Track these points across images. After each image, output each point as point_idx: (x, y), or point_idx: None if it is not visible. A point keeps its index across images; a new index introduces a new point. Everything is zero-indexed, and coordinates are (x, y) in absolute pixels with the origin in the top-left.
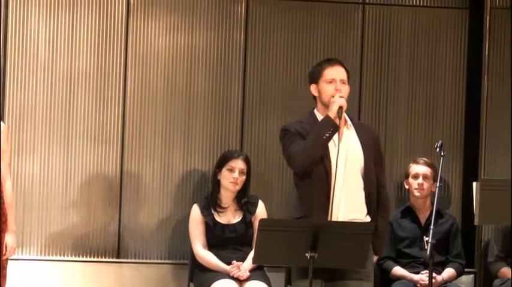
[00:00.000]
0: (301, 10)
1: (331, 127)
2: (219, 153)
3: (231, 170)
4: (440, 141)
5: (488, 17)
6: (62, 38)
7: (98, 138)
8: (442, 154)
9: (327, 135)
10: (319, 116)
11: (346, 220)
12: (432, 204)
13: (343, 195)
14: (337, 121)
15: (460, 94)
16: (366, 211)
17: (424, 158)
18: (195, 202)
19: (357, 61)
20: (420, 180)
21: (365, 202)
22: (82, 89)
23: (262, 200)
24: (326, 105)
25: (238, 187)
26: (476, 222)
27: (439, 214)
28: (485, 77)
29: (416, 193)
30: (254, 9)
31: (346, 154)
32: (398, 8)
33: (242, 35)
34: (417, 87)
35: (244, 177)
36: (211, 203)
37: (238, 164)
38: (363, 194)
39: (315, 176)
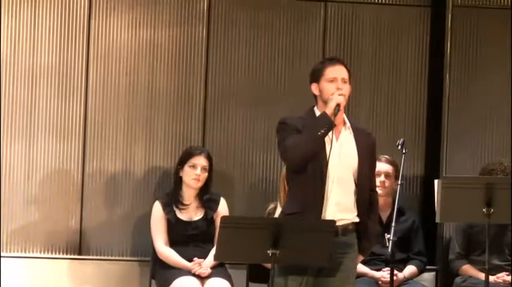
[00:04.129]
0: (263, 6)
1: (327, 123)
2: (181, 149)
3: (193, 167)
4: (402, 139)
5: (450, 15)
6: (24, 34)
7: (60, 135)
8: (404, 151)
9: (322, 131)
10: (318, 114)
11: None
12: (393, 202)
13: (333, 195)
14: (333, 118)
15: (421, 92)
16: (355, 213)
17: (386, 156)
18: (156, 199)
19: (318, 58)
20: (382, 178)
21: (356, 205)
22: (44, 85)
23: (224, 197)
24: (327, 104)
25: (200, 184)
26: (437, 220)
27: (401, 212)
28: (447, 75)
29: (378, 191)
30: (216, 5)
31: (340, 154)
32: (360, 6)
33: (204, 31)
34: (379, 85)
35: (206, 174)
36: (173, 200)
37: (200, 160)
38: (353, 196)
39: (309, 174)
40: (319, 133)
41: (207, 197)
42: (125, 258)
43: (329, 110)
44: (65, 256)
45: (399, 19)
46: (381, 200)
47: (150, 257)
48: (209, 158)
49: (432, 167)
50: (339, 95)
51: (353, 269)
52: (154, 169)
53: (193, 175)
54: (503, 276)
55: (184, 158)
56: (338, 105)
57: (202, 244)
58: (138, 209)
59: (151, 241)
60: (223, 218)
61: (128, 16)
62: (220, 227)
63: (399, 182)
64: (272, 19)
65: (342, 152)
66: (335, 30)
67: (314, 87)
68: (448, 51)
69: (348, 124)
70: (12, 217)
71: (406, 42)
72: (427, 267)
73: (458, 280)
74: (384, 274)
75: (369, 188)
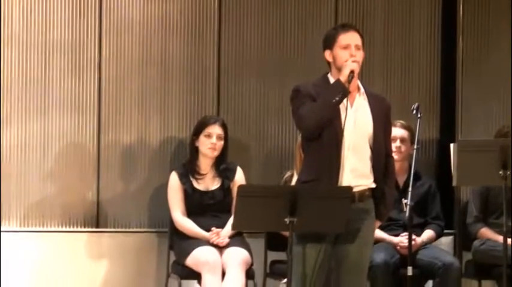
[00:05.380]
0: None
1: (341, 91)
2: (195, 120)
3: (209, 136)
4: (416, 104)
5: None
6: (36, 9)
7: (75, 108)
8: (419, 116)
9: (337, 99)
10: (332, 81)
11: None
12: (410, 166)
13: (350, 161)
14: (347, 85)
15: (435, 56)
16: (371, 179)
17: (401, 121)
18: (173, 169)
19: (331, 24)
20: (398, 143)
21: (372, 170)
22: (57, 60)
23: (240, 166)
24: (341, 71)
25: (216, 153)
26: (454, 183)
27: (417, 176)
28: (461, 37)
29: (394, 156)
30: None
31: (355, 121)
32: None
33: (216, 1)
34: (392, 51)
35: (222, 142)
36: (189, 170)
37: (216, 129)
38: (369, 162)
39: (324, 141)
40: (334, 101)
41: (223, 166)
42: (142, 229)
43: (343, 77)
44: (82, 229)
45: None
46: (397, 165)
47: (168, 228)
48: (224, 127)
49: (447, 130)
50: (353, 61)
51: (371, 235)
52: (169, 140)
53: (209, 143)
54: None
55: (199, 128)
56: (352, 72)
57: (220, 213)
58: (154, 180)
59: (169, 212)
60: (240, 187)
61: None
62: (237, 196)
63: (415, 146)
64: None
65: (357, 119)
66: None
67: (327, 54)
68: (461, 14)
69: (362, 90)
70: (29, 192)
71: (419, 5)
72: (445, 231)
73: (476, 243)
74: (402, 239)
75: (385, 154)
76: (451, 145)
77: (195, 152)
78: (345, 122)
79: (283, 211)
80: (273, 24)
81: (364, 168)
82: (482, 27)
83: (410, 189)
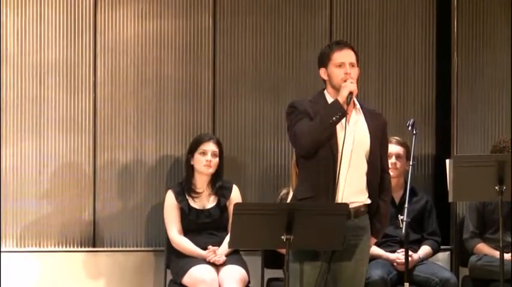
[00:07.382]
0: None
1: (339, 112)
2: (191, 138)
3: (204, 153)
4: (412, 120)
5: None
6: (31, 29)
7: (70, 128)
8: (414, 132)
9: (334, 119)
10: (329, 98)
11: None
12: (406, 183)
13: (347, 178)
14: (345, 106)
15: (430, 72)
16: (366, 195)
17: (396, 137)
18: (169, 188)
19: (325, 40)
20: (393, 159)
21: (366, 186)
22: (52, 80)
23: (236, 184)
24: (336, 89)
25: (212, 170)
26: (450, 199)
27: (413, 192)
28: (455, 54)
29: (390, 173)
30: None
31: (353, 138)
32: None
33: (210, 20)
34: (387, 67)
35: (217, 159)
36: (185, 188)
37: (210, 146)
38: (365, 178)
39: (320, 158)
40: (331, 121)
41: (219, 184)
42: (139, 249)
43: (341, 98)
44: (79, 248)
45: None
46: (393, 182)
47: (164, 247)
48: (219, 144)
49: (443, 146)
50: (351, 82)
51: (367, 251)
52: (165, 159)
53: (204, 161)
54: None
55: (194, 146)
56: (351, 93)
57: (216, 231)
58: (150, 199)
59: (165, 231)
60: (237, 205)
61: (134, 7)
62: (233, 214)
63: (411, 163)
64: (278, 5)
65: (354, 135)
66: (341, 11)
67: (322, 72)
68: (455, 30)
69: (358, 106)
70: (25, 212)
71: (413, 23)
72: (442, 247)
73: (473, 258)
74: (399, 255)
75: (381, 170)
76: (447, 161)
77: (190, 170)
78: (344, 139)
79: (279, 228)
80: (267, 41)
81: (360, 184)
82: (476, 43)
83: (406, 205)
